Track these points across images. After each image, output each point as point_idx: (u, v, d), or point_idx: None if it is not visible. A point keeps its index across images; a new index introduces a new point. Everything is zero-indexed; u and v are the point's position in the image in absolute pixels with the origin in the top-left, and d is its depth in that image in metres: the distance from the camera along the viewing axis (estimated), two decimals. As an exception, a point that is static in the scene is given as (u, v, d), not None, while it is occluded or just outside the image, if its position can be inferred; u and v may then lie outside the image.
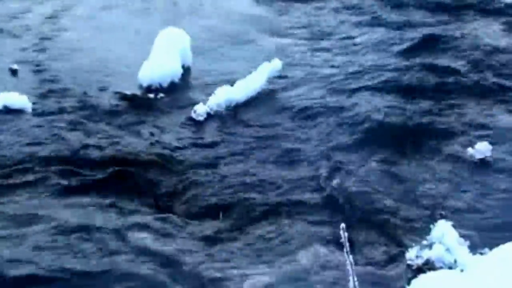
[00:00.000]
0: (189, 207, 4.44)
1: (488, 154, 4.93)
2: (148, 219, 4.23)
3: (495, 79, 6.07)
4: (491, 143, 5.00)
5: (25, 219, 4.18)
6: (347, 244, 3.81)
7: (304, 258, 3.97)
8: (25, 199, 4.39)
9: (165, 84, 6.08)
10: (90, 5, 8.18)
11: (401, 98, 5.76)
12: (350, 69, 6.34)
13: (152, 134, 5.27)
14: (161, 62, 6.17)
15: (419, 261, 3.94)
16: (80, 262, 3.83)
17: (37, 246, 3.94)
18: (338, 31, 7.28)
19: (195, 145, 5.18)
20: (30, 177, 4.61)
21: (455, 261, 3.90)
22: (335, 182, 4.63)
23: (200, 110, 5.58)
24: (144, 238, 4.07)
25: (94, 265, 3.82)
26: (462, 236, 4.03)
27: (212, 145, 5.18)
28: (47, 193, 4.47)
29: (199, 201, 4.48)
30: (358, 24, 7.43)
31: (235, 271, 3.84)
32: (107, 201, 4.40)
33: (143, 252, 3.96)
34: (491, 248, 3.82)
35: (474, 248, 3.97)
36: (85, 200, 4.41)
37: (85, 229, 4.11)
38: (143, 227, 4.16)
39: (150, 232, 4.13)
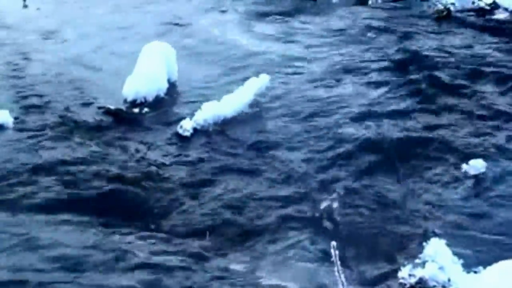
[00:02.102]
0: (176, 224, 4.46)
1: (483, 170, 4.98)
2: (133, 237, 4.24)
3: (488, 95, 6.13)
4: (485, 159, 5.05)
5: (5, 237, 4.19)
6: (338, 262, 3.86)
7: (294, 276, 4.00)
8: (6, 216, 4.39)
9: (150, 99, 6.09)
10: (73, 19, 8.20)
11: (392, 114, 5.80)
12: (340, 85, 6.38)
13: (137, 150, 5.29)
14: (146, 76, 6.17)
15: (412, 280, 3.97)
16: (61, 280, 3.84)
17: (16, 265, 3.95)
18: (327, 48, 7.33)
19: (181, 161, 5.20)
20: (11, 194, 4.60)
21: (449, 280, 3.93)
22: (325, 199, 4.67)
23: (186, 126, 5.60)
24: (129, 256, 4.08)
25: (77, 283, 3.83)
26: (455, 254, 4.06)
27: (199, 161, 5.20)
28: (29, 210, 4.46)
29: (185, 219, 4.50)
30: (347, 42, 7.46)
31: (223, 290, 3.87)
32: (91, 219, 4.40)
33: (128, 270, 3.97)
34: (485, 267, 3.87)
35: (468, 267, 3.99)
36: (68, 217, 4.41)
37: (67, 247, 4.12)
38: (128, 245, 4.17)
39: (135, 250, 4.14)
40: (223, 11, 8.66)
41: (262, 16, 8.55)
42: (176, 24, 8.05)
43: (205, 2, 8.92)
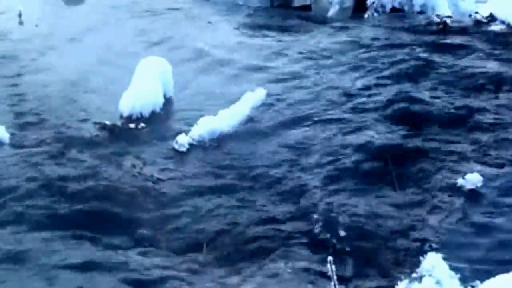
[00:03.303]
0: (172, 240, 4.50)
1: (479, 185, 5.03)
2: (130, 252, 4.29)
3: (485, 108, 6.19)
4: (481, 174, 5.10)
5: (2, 254, 4.24)
6: (335, 277, 3.90)
7: (290, 291, 4.05)
8: (3, 233, 4.44)
9: (146, 114, 6.14)
10: (69, 34, 8.26)
11: (390, 129, 5.85)
12: (336, 99, 6.43)
13: (133, 165, 5.33)
14: (142, 91, 6.23)
15: (409, 295, 4.02)
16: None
17: (11, 279, 3.99)
18: (323, 62, 7.38)
19: (177, 176, 5.24)
20: (8, 210, 4.66)
21: (446, 294, 3.98)
22: (322, 214, 4.71)
23: (182, 141, 5.65)
24: (124, 271, 4.12)
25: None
26: (452, 268, 4.10)
27: (195, 176, 5.25)
28: (26, 226, 4.51)
29: (182, 234, 4.55)
30: (343, 57, 7.52)
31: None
32: (87, 233, 4.45)
33: (124, 285, 4.01)
34: (482, 281, 3.91)
35: (464, 281, 4.03)
36: (64, 232, 4.45)
37: (65, 264, 4.17)
38: (124, 259, 4.22)
39: (132, 265, 4.19)
40: (219, 26, 8.73)
41: (257, 30, 8.62)
42: (172, 40, 8.11)
43: (199, 17, 9.00)
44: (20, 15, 8.81)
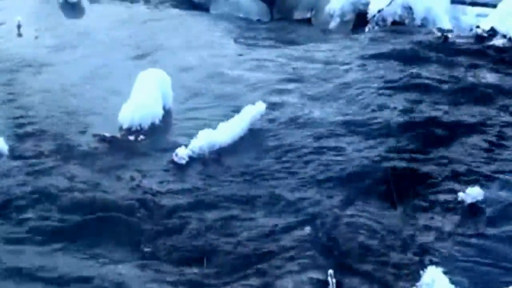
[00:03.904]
0: (172, 253, 4.53)
1: (480, 198, 5.06)
2: (130, 265, 4.32)
3: (486, 123, 6.23)
4: (482, 188, 5.13)
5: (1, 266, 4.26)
6: (335, 291, 3.92)
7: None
8: (1, 246, 4.47)
9: (145, 126, 6.18)
10: (68, 46, 8.31)
11: (389, 142, 5.88)
12: (336, 112, 6.46)
13: (132, 178, 5.36)
14: (142, 104, 6.26)
15: (409, 309, 4.04)
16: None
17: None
18: (324, 77, 7.41)
19: (177, 189, 5.27)
20: (6, 222, 4.69)
21: (446, 309, 4.01)
22: (322, 228, 4.74)
23: (181, 154, 5.68)
24: (125, 285, 4.15)
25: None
26: (452, 282, 4.13)
27: (195, 189, 5.28)
28: (24, 239, 4.54)
29: (182, 247, 4.57)
30: (344, 70, 7.55)
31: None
32: (87, 247, 4.48)
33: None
34: (482, 295, 3.95)
35: (465, 295, 4.09)
36: (63, 245, 4.49)
37: (63, 277, 4.19)
38: (125, 273, 4.25)
39: (131, 279, 4.21)
40: (218, 38, 8.78)
41: (257, 42, 8.67)
42: (171, 52, 8.14)
43: (199, 30, 9.05)
44: (19, 27, 8.84)
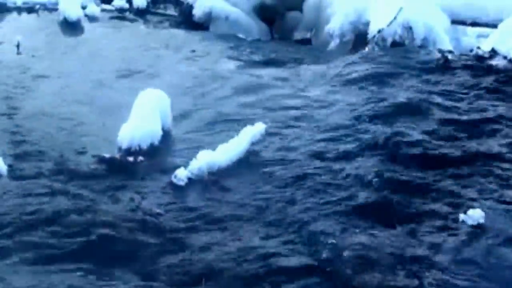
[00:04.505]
0: (171, 274, 4.54)
1: (481, 221, 5.08)
2: (129, 286, 4.33)
3: (487, 145, 6.28)
4: (483, 210, 5.16)
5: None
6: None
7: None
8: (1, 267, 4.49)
9: (144, 147, 6.21)
10: (66, 66, 8.35)
11: (390, 165, 5.92)
12: (336, 134, 6.51)
13: (132, 199, 5.39)
14: (141, 124, 6.30)
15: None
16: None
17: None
18: (324, 97, 7.46)
19: (176, 211, 5.29)
20: (4, 244, 4.70)
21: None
22: (322, 250, 4.76)
23: (181, 175, 5.70)
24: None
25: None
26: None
27: (194, 211, 5.30)
28: (22, 260, 4.55)
29: (180, 268, 4.59)
30: (345, 91, 7.62)
31: None
32: (86, 268, 4.50)
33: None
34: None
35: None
36: (63, 267, 4.50)
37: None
38: (123, 295, 4.27)
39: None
40: (217, 58, 8.82)
41: (257, 63, 8.74)
42: (171, 72, 8.19)
43: (199, 50, 9.11)
44: (18, 46, 8.89)
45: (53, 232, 4.86)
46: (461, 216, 5.12)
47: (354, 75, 8.08)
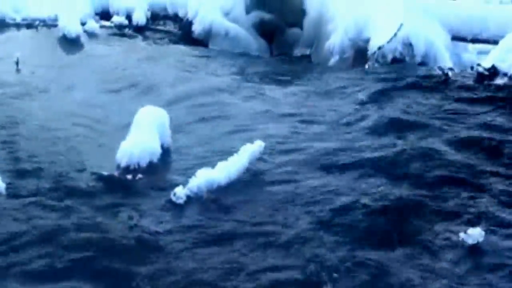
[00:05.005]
0: (169, 293, 4.57)
1: (481, 240, 5.09)
2: (127, 306, 4.36)
3: (487, 165, 6.30)
4: (483, 229, 5.17)
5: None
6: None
7: None
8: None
9: (143, 165, 6.23)
10: (65, 83, 8.38)
11: (389, 184, 5.94)
12: (335, 152, 6.53)
13: (130, 217, 5.40)
14: (140, 142, 6.33)
15: None
16: None
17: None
18: (321, 115, 7.48)
19: (175, 229, 5.31)
20: (4, 261, 4.72)
21: None
22: (321, 267, 4.77)
23: (179, 193, 5.72)
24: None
25: None
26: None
27: (193, 229, 5.32)
28: (21, 277, 4.57)
29: (179, 287, 4.60)
30: (343, 109, 7.63)
31: None
32: (84, 286, 4.51)
33: None
34: None
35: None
36: (61, 285, 4.52)
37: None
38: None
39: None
40: (217, 75, 8.85)
41: (256, 79, 8.77)
42: (170, 89, 8.22)
43: (198, 66, 9.14)
44: (17, 62, 8.93)
45: (51, 250, 4.88)
46: (461, 235, 5.13)
47: (354, 91, 8.11)
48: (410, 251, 5.04)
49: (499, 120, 7.26)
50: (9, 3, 11.11)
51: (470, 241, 5.09)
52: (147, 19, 11.46)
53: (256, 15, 10.91)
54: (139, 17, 11.33)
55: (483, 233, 5.12)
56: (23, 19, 11.01)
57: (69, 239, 5.02)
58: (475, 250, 5.03)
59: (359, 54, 9.77)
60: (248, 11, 10.85)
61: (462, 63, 9.94)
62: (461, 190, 5.86)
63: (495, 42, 9.41)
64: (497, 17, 10.17)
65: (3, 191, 5.70)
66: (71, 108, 7.57)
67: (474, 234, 5.11)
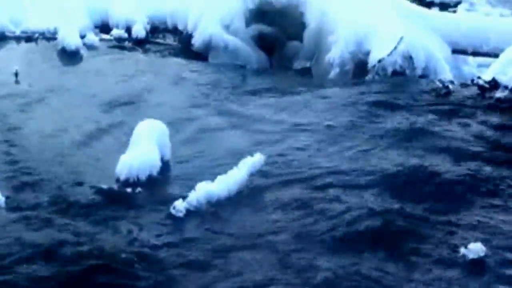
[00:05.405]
0: (168, 308, 4.58)
1: (482, 254, 5.10)
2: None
3: (488, 179, 6.32)
4: (484, 244, 5.18)
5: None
6: None
7: None
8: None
9: (143, 178, 6.24)
10: (65, 96, 8.39)
11: (389, 197, 5.96)
12: (335, 166, 6.55)
13: (129, 231, 5.42)
14: (139, 155, 6.35)
15: None
16: None
17: None
18: (320, 128, 7.50)
19: (174, 243, 5.33)
20: (2, 275, 4.72)
21: None
22: (321, 284, 4.78)
23: (179, 206, 5.74)
24: None
25: None
26: None
27: (192, 243, 5.33)
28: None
29: (179, 302, 4.63)
30: (345, 123, 7.63)
31: None
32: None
33: None
34: None
35: None
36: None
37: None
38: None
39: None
40: (215, 88, 8.87)
41: (255, 92, 8.76)
42: (169, 102, 8.24)
43: (198, 80, 9.15)
44: (16, 75, 8.95)
45: (50, 264, 4.90)
46: (462, 250, 5.14)
47: (354, 104, 8.12)
48: (410, 266, 5.05)
49: (500, 132, 7.27)
50: (9, 16, 11.13)
51: (471, 256, 5.10)
52: (147, 32, 11.47)
53: (256, 28, 10.93)
54: (139, 30, 11.35)
55: (484, 248, 5.13)
56: (23, 32, 11.03)
57: (68, 252, 5.03)
58: (476, 265, 5.04)
59: (360, 66, 9.79)
60: (248, 24, 10.86)
61: (463, 76, 9.96)
62: (461, 204, 5.87)
63: (496, 55, 9.44)
64: (497, 30, 10.21)
65: (3, 204, 5.72)
66: (70, 121, 7.59)
67: (475, 249, 5.12)
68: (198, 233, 5.47)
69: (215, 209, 5.79)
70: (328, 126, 7.51)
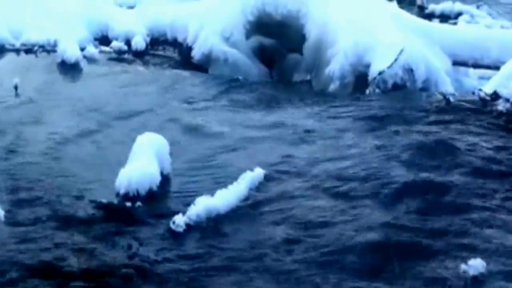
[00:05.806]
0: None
1: (482, 270, 5.10)
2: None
3: (488, 194, 6.32)
4: (485, 260, 5.18)
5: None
6: None
7: None
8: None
9: (143, 192, 6.26)
10: (65, 109, 8.40)
11: (389, 213, 5.96)
12: (336, 180, 6.56)
13: (129, 246, 5.43)
14: (139, 169, 6.37)
15: None
16: None
17: None
18: (320, 141, 7.50)
19: (174, 258, 5.35)
20: (1, 291, 4.77)
21: None
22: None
23: (179, 221, 5.75)
24: None
25: None
26: None
27: (192, 258, 5.35)
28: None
29: (177, 318, 4.64)
30: (345, 137, 7.63)
31: None
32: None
33: None
34: None
35: None
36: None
37: None
38: None
39: None
40: (216, 101, 8.87)
41: (256, 105, 8.76)
42: (169, 116, 8.23)
43: (197, 92, 9.16)
44: (16, 88, 8.96)
45: (50, 279, 4.92)
46: (462, 266, 5.14)
47: (354, 118, 8.13)
48: (409, 283, 5.05)
49: (501, 145, 7.28)
50: (8, 29, 11.14)
51: (471, 272, 5.10)
52: (147, 44, 11.47)
53: (256, 40, 10.94)
54: (139, 42, 11.35)
55: (484, 263, 5.13)
56: (22, 44, 11.03)
57: (67, 267, 5.05)
58: (476, 281, 5.04)
59: (360, 79, 9.79)
60: (248, 36, 10.88)
61: (463, 88, 9.95)
62: (462, 220, 5.87)
63: (497, 68, 9.45)
64: (498, 42, 10.22)
65: (2, 219, 5.73)
66: (70, 134, 7.59)
67: (476, 265, 5.12)
68: (198, 248, 5.48)
69: (215, 223, 5.80)
70: (329, 139, 7.52)
